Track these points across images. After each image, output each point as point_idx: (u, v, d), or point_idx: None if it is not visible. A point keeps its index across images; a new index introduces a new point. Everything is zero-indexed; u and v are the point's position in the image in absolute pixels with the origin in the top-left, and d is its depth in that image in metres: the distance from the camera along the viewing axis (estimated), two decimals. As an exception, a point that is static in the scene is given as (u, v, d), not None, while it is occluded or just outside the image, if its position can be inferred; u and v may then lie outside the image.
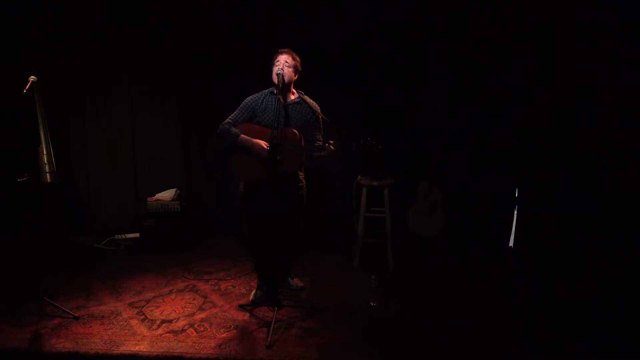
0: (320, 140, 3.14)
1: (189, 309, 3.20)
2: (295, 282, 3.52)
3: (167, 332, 2.89)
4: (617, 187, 3.67)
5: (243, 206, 3.29)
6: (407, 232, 4.16)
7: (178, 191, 4.50)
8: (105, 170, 4.80)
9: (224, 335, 2.86)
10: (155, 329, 2.93)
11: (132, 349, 2.69)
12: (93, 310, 3.16)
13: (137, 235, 4.47)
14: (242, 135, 3.05)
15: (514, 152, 4.11)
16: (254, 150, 3.01)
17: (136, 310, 3.18)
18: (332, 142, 2.97)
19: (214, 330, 2.91)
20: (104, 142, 4.77)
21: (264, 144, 2.98)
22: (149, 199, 4.43)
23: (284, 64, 3.03)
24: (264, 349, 2.69)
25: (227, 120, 3.13)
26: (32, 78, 2.99)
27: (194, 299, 3.35)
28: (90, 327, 2.95)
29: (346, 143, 2.98)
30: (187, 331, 2.91)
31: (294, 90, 3.20)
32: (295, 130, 3.02)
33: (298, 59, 3.11)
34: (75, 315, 3.04)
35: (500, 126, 4.19)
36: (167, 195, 4.45)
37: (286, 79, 3.02)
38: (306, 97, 3.19)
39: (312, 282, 3.62)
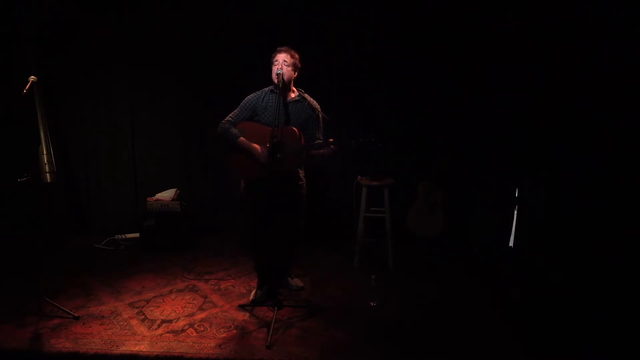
0: (320, 139, 3.14)
1: (189, 309, 3.20)
2: (295, 282, 3.52)
3: (167, 332, 2.89)
4: (618, 187, 3.67)
5: (244, 205, 3.29)
6: (407, 232, 4.16)
7: (178, 191, 4.50)
8: (105, 170, 4.81)
9: (224, 335, 2.86)
10: (155, 329, 2.93)
11: (132, 349, 2.69)
12: (93, 310, 3.16)
13: (137, 235, 4.48)
14: (241, 138, 3.06)
15: (514, 152, 4.10)
16: (252, 153, 3.02)
17: (136, 310, 3.18)
18: (331, 140, 2.97)
19: (214, 330, 2.91)
20: (104, 142, 4.78)
21: (260, 149, 2.99)
22: (149, 199, 4.43)
23: (282, 63, 3.03)
24: (264, 349, 2.68)
25: (227, 118, 3.13)
26: (32, 78, 2.99)
27: (194, 299, 3.35)
28: (90, 327, 2.95)
29: (346, 141, 2.98)
30: (187, 331, 2.91)
31: (294, 89, 3.20)
32: (295, 129, 3.02)
33: (297, 55, 3.10)
34: (75, 315, 3.04)
35: (501, 126, 4.19)
36: (167, 195, 4.45)
37: (286, 78, 3.02)
38: (306, 96, 3.19)
39: (312, 282, 3.62)
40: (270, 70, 3.08)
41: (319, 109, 3.19)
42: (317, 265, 3.95)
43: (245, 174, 3.19)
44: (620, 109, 3.65)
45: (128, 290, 3.50)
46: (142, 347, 2.71)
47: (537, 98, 3.99)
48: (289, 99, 3.15)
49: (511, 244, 3.97)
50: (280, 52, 3.06)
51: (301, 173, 3.25)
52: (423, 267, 3.95)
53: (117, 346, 2.72)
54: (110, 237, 4.59)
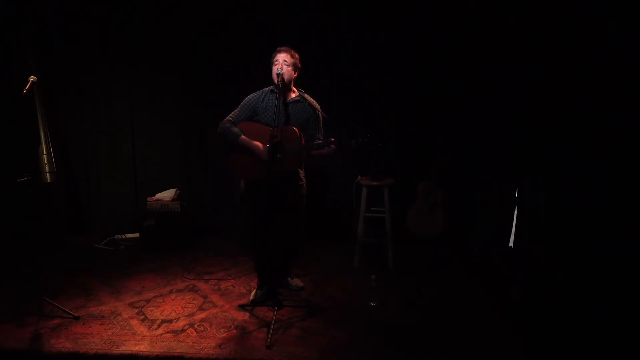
0: (320, 139, 3.14)
1: (189, 309, 3.20)
2: (295, 282, 3.52)
3: (167, 332, 2.89)
4: (617, 187, 3.67)
5: (244, 205, 3.29)
6: (407, 232, 4.16)
7: (178, 191, 4.50)
8: (105, 170, 4.81)
9: (224, 335, 2.86)
10: (155, 329, 2.93)
11: (132, 349, 2.69)
12: (93, 310, 3.16)
13: (137, 235, 4.47)
14: (242, 137, 3.06)
15: (514, 152, 4.10)
16: (253, 151, 3.02)
17: (136, 310, 3.18)
18: (332, 139, 2.97)
19: (214, 330, 2.91)
20: (104, 142, 4.78)
21: (262, 146, 2.98)
22: (149, 199, 4.43)
23: (282, 63, 3.03)
24: (264, 349, 2.68)
25: (228, 118, 3.13)
26: (32, 78, 2.99)
27: (194, 299, 3.35)
28: (90, 327, 2.95)
29: (346, 141, 2.98)
30: (187, 331, 2.91)
31: (294, 89, 3.20)
32: (295, 129, 3.02)
33: (297, 55, 3.10)
34: (75, 315, 3.04)
35: (501, 126, 4.19)
36: (167, 195, 4.45)
37: (286, 78, 3.02)
38: (307, 96, 3.19)
39: (312, 282, 3.62)
40: (271, 70, 3.08)
41: (319, 109, 3.19)
42: (317, 265, 3.95)
43: (245, 174, 3.19)
44: (620, 109, 3.66)
45: (128, 290, 3.50)
46: (142, 347, 2.71)
47: (537, 98, 3.99)
48: (289, 99, 3.15)
49: (511, 244, 3.97)
50: (280, 52, 3.06)
51: (301, 173, 3.25)
52: (423, 267, 3.95)
53: (117, 346, 2.72)
54: (110, 237, 4.59)
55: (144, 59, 4.61)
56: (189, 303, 3.29)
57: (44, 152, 4.31)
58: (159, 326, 2.97)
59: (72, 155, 4.79)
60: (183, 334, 2.88)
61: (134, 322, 3.02)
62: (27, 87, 2.94)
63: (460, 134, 4.25)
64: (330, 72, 4.38)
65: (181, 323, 3.01)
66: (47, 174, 4.31)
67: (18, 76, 3.40)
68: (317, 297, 3.37)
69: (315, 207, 4.05)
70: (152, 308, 3.22)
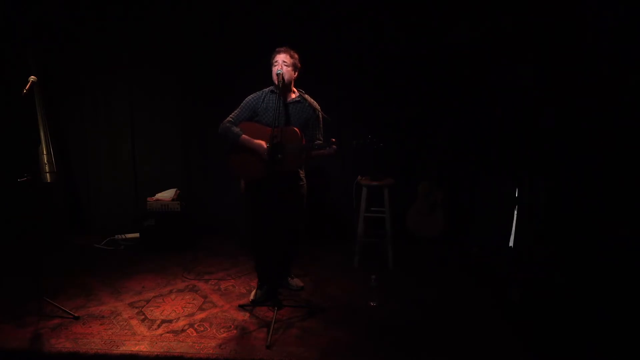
0: (320, 140, 3.14)
1: (189, 309, 3.20)
2: (295, 282, 3.52)
3: (167, 332, 2.89)
4: (617, 187, 3.67)
5: (244, 205, 3.29)
6: (407, 232, 4.16)
7: (178, 191, 4.50)
8: (105, 170, 4.81)
9: (224, 335, 2.86)
10: (155, 329, 2.93)
11: (132, 349, 2.69)
12: (93, 310, 3.16)
13: (137, 235, 4.48)
14: (243, 136, 3.06)
15: (514, 152, 4.11)
16: (255, 151, 3.02)
17: (136, 310, 3.18)
18: (333, 140, 2.97)
19: (214, 330, 2.91)
20: (104, 142, 4.78)
21: (264, 144, 2.98)
22: (149, 199, 4.43)
23: (282, 63, 3.02)
24: (264, 349, 2.68)
25: (228, 118, 3.13)
26: (32, 78, 2.99)
27: (194, 299, 3.35)
28: (90, 327, 2.95)
29: (346, 142, 2.98)
30: (187, 331, 2.91)
31: (294, 89, 3.20)
32: (296, 129, 3.02)
33: (296, 56, 3.10)
34: (75, 315, 3.04)
35: (501, 126, 4.19)
36: (167, 195, 4.45)
37: (286, 78, 3.02)
38: (307, 96, 3.19)
39: (312, 282, 3.62)
40: (270, 71, 3.08)
41: (320, 110, 3.19)
42: (317, 265, 3.95)
43: (245, 174, 3.19)
44: (620, 109, 3.66)
45: (128, 290, 3.50)
46: (142, 347, 2.71)
47: (537, 98, 3.99)
48: (289, 99, 3.15)
49: (511, 244, 3.97)
50: (279, 52, 3.06)
51: (301, 173, 3.25)
52: (423, 267, 3.95)
53: (117, 346, 2.72)
54: (110, 237, 4.59)
55: (143, 59, 4.61)
56: (189, 303, 3.30)
57: (44, 152, 4.31)
58: (159, 326, 2.97)
59: (72, 155, 4.79)
60: (183, 334, 2.88)
61: (134, 322, 3.02)
62: (27, 87, 2.93)
63: (460, 134, 4.26)
64: (330, 72, 4.38)
65: (181, 323, 3.01)
66: (47, 174, 4.30)
67: (18, 76, 3.40)
68: (317, 297, 3.38)
69: (315, 207, 4.06)
70: (152, 308, 3.22)
